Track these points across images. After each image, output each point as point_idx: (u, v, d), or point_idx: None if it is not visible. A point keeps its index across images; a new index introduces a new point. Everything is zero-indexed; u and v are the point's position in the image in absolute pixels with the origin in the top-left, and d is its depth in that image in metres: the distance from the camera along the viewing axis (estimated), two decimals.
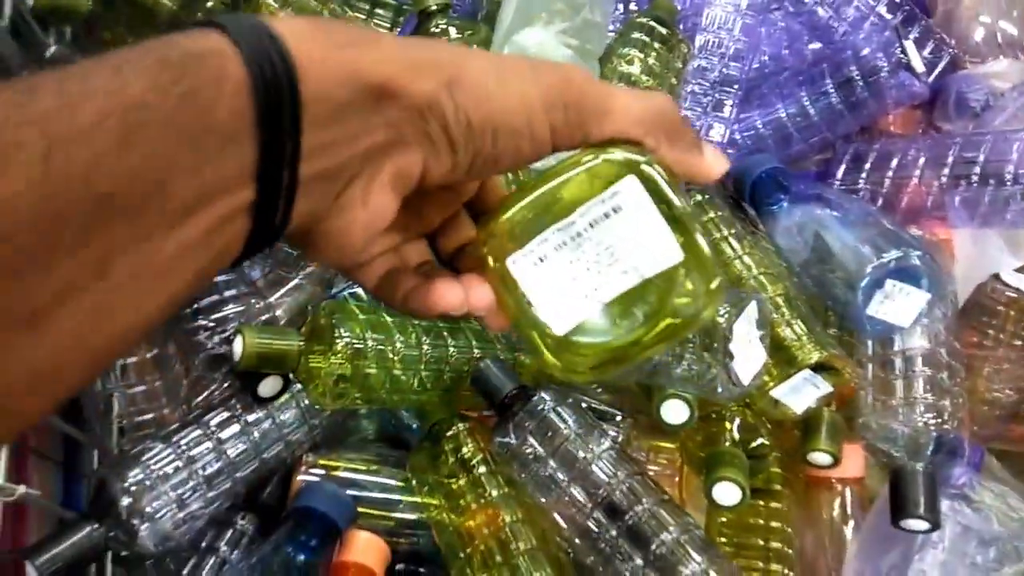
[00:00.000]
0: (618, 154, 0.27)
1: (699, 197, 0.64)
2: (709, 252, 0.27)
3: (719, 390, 0.48)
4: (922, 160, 0.68)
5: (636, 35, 0.65)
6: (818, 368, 0.55)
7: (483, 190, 0.31)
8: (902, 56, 0.68)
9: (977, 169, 0.63)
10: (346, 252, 0.26)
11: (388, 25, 0.70)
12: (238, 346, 0.50)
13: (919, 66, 0.69)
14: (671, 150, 0.27)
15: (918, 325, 0.58)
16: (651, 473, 0.62)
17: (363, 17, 0.70)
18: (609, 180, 0.27)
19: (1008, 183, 0.62)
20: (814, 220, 0.65)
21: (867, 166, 0.71)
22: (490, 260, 0.28)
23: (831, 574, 0.60)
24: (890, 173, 0.69)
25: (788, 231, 0.66)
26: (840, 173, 0.71)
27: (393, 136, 0.24)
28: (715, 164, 0.28)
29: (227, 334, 0.54)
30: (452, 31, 0.61)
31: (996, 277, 0.66)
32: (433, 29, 0.61)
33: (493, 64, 0.25)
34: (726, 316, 0.47)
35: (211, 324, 0.56)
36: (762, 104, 0.75)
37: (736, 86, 0.72)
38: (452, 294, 0.27)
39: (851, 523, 0.62)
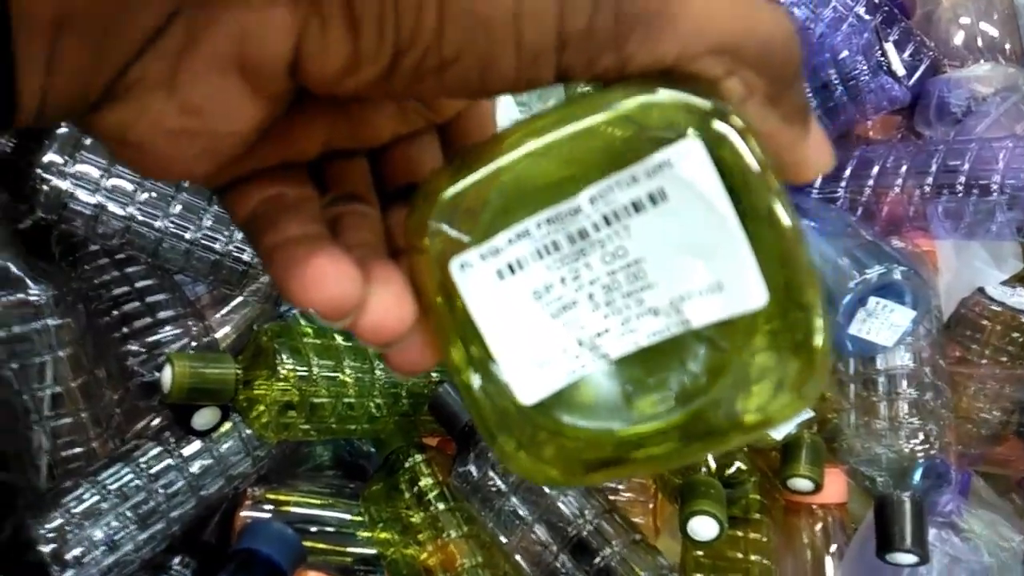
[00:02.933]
0: (674, 96, 0.15)
1: None
2: (816, 283, 0.16)
3: None
4: (904, 168, 0.65)
5: None
6: None
7: (462, 120, 0.20)
8: (882, 59, 0.66)
9: (961, 178, 0.60)
10: (167, 164, 0.16)
11: None
12: (167, 376, 0.46)
13: (900, 69, 0.66)
14: (770, 109, 0.16)
15: (902, 344, 0.55)
16: (624, 499, 0.59)
17: None
18: (652, 140, 0.15)
19: (993, 193, 0.59)
20: None
21: (846, 174, 0.68)
22: (421, 256, 0.17)
23: None
24: (870, 182, 0.66)
25: None
26: (818, 182, 0.68)
27: None
28: (820, 158, 0.17)
29: (160, 360, 0.50)
30: None
31: (981, 291, 0.63)
32: None
33: None
34: None
35: (142, 350, 0.52)
36: None
37: None
38: (335, 282, 0.16)
39: (833, 548, 0.59)
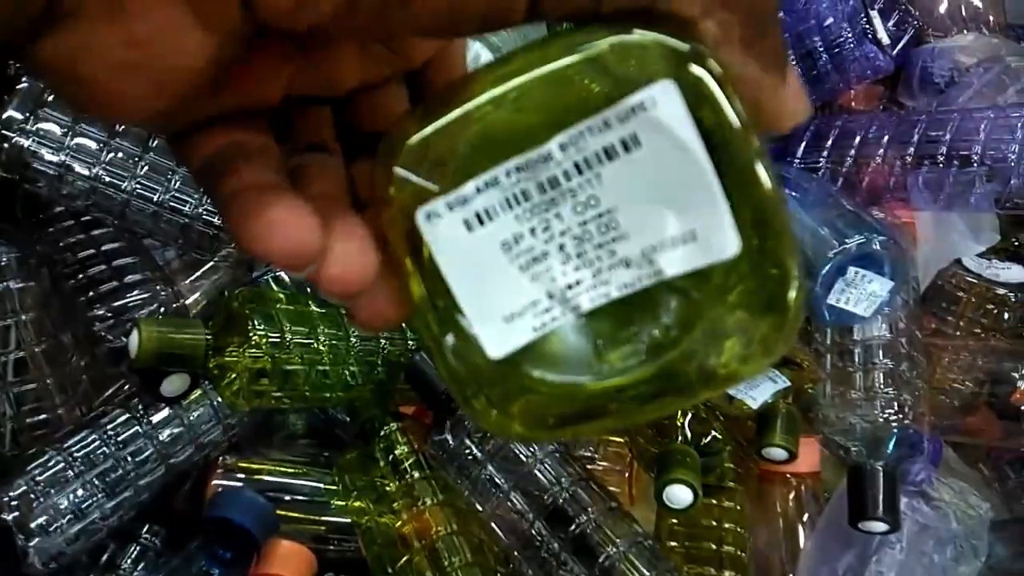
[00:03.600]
0: (649, 36, 0.15)
1: None
2: (793, 240, 0.16)
3: None
4: (885, 138, 0.65)
5: None
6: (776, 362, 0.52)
7: (432, 68, 0.19)
8: (867, 27, 0.65)
9: (942, 149, 0.60)
10: (112, 101, 0.15)
11: None
12: (134, 341, 0.44)
13: (884, 38, 0.65)
14: (745, 54, 0.16)
15: (879, 314, 0.55)
16: (600, 468, 0.59)
17: None
18: (625, 83, 0.15)
19: (973, 164, 0.59)
20: None
21: (828, 144, 0.67)
22: (387, 207, 0.16)
23: (785, 572, 0.58)
24: (852, 152, 0.66)
25: None
26: (800, 151, 0.68)
27: None
28: (797, 106, 0.17)
29: (128, 325, 0.49)
30: None
31: (958, 263, 0.63)
32: None
33: None
34: None
35: (109, 314, 0.50)
36: None
37: None
38: (294, 230, 0.15)
39: (805, 517, 0.59)
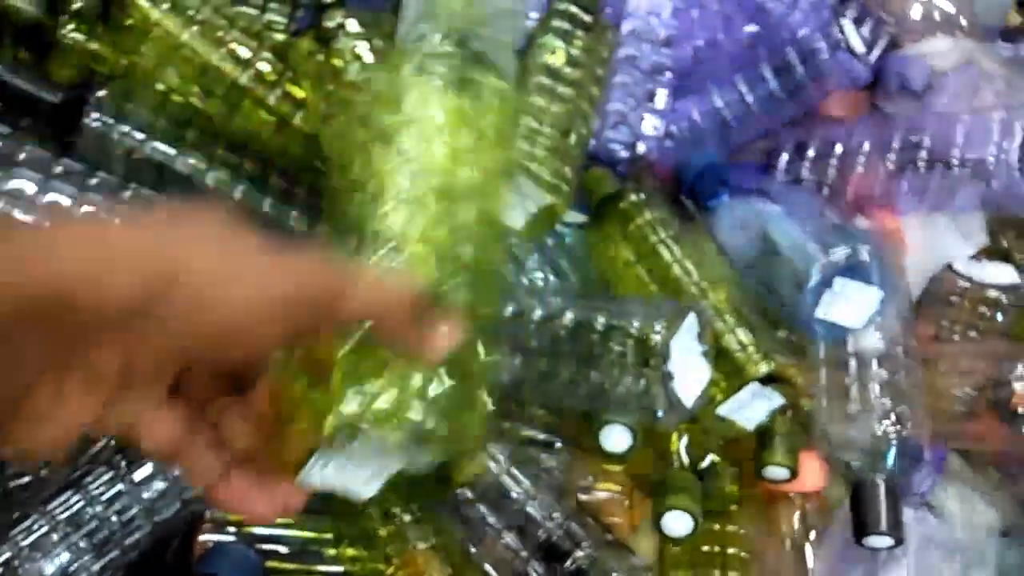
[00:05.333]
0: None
1: (634, 198, 0.60)
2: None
3: (659, 415, 0.43)
4: (866, 146, 0.64)
5: (557, 23, 0.60)
6: (768, 379, 0.51)
7: None
8: (840, 37, 0.65)
9: (923, 154, 0.59)
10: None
11: (284, 19, 0.63)
12: None
13: (859, 46, 0.65)
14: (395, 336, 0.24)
15: (872, 324, 0.54)
16: (600, 497, 0.58)
17: (255, 12, 0.64)
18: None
19: (955, 167, 0.59)
20: (758, 216, 0.61)
21: (810, 154, 0.67)
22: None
23: None
24: (834, 161, 0.65)
25: (732, 228, 0.62)
26: (783, 163, 0.67)
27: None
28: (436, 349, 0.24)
29: None
30: (352, 24, 0.55)
31: (949, 268, 0.62)
32: (329, 23, 0.55)
33: (219, 259, 0.20)
34: (662, 333, 0.43)
35: None
36: (697, 93, 0.70)
37: (669, 74, 0.67)
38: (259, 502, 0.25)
39: (812, 535, 0.58)
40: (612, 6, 0.66)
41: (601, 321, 0.45)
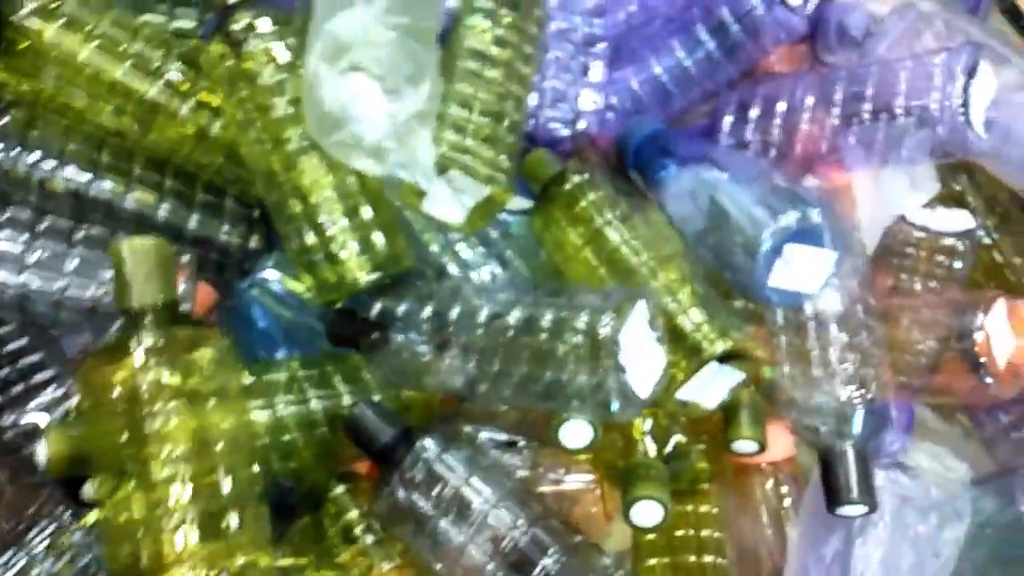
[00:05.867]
0: None
1: (576, 179, 0.57)
2: None
3: (615, 409, 0.42)
4: (809, 101, 0.62)
5: (482, 2, 0.57)
6: (727, 356, 0.50)
7: None
8: None
9: (867, 105, 0.58)
10: None
11: (194, 24, 0.60)
12: (42, 451, 0.41)
13: (793, 1, 0.63)
14: None
15: (828, 287, 0.53)
16: (573, 489, 0.57)
17: (163, 18, 0.60)
18: None
19: (900, 116, 0.57)
20: (705, 184, 0.59)
21: (753, 115, 0.65)
22: None
23: (775, 564, 0.56)
24: (777, 120, 0.64)
25: (680, 198, 0.60)
26: (726, 126, 0.65)
27: None
28: None
29: (36, 433, 0.45)
30: (263, 24, 0.52)
31: (903, 219, 0.61)
32: (236, 25, 0.51)
33: None
34: (611, 325, 0.41)
35: (20, 421, 0.47)
36: (634, 61, 0.68)
37: (603, 45, 0.65)
38: None
39: (787, 504, 0.57)
40: None
41: (548, 317, 0.43)
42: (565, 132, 0.64)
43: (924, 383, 0.56)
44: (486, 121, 0.53)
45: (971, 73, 0.53)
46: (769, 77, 0.71)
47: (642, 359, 0.43)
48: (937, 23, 0.61)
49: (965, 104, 0.53)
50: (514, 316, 0.44)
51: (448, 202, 0.52)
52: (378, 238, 0.51)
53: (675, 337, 0.48)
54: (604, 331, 0.41)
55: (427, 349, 0.49)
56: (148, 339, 0.40)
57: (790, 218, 0.51)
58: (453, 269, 0.56)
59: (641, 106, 0.67)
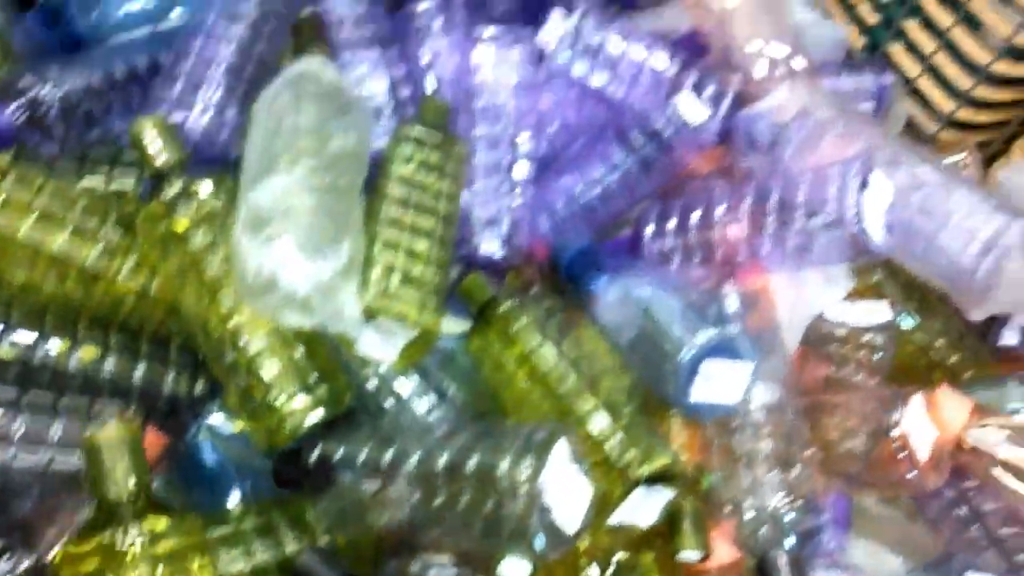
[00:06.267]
0: None
1: (509, 303, 0.60)
2: None
3: (541, 548, 0.43)
4: (720, 210, 0.66)
5: (405, 148, 0.60)
6: (657, 476, 0.51)
7: None
8: (677, 112, 0.67)
9: (774, 210, 0.61)
10: None
11: (132, 184, 0.63)
12: None
13: (697, 117, 0.67)
14: None
15: (751, 395, 0.55)
16: None
17: (102, 179, 0.63)
18: None
19: (806, 219, 0.60)
20: (631, 297, 0.62)
21: (671, 226, 0.68)
22: None
23: None
24: (694, 229, 0.67)
25: (611, 309, 0.62)
26: (648, 236, 0.69)
27: None
28: None
29: None
30: (195, 187, 0.55)
31: (821, 317, 0.64)
32: (171, 188, 0.54)
33: None
34: (529, 471, 0.43)
35: None
36: (560, 179, 0.71)
37: (528, 167, 0.68)
38: None
39: None
40: (458, 114, 0.67)
41: (473, 462, 0.44)
42: (500, 254, 0.67)
43: (860, 475, 0.58)
44: (412, 260, 0.55)
45: (864, 183, 0.57)
46: (687, 185, 0.75)
47: (567, 495, 0.45)
48: (836, 128, 0.65)
49: (859, 212, 0.56)
50: (441, 461, 0.46)
51: (380, 344, 0.54)
52: (315, 381, 0.53)
53: (602, 464, 0.50)
54: (525, 475, 0.42)
55: (369, 489, 0.50)
56: (132, 532, 0.42)
57: (705, 336, 0.53)
58: (390, 404, 0.57)
59: (569, 222, 0.71)
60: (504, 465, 0.43)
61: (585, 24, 0.67)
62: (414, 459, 0.47)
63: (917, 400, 0.56)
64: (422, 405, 0.57)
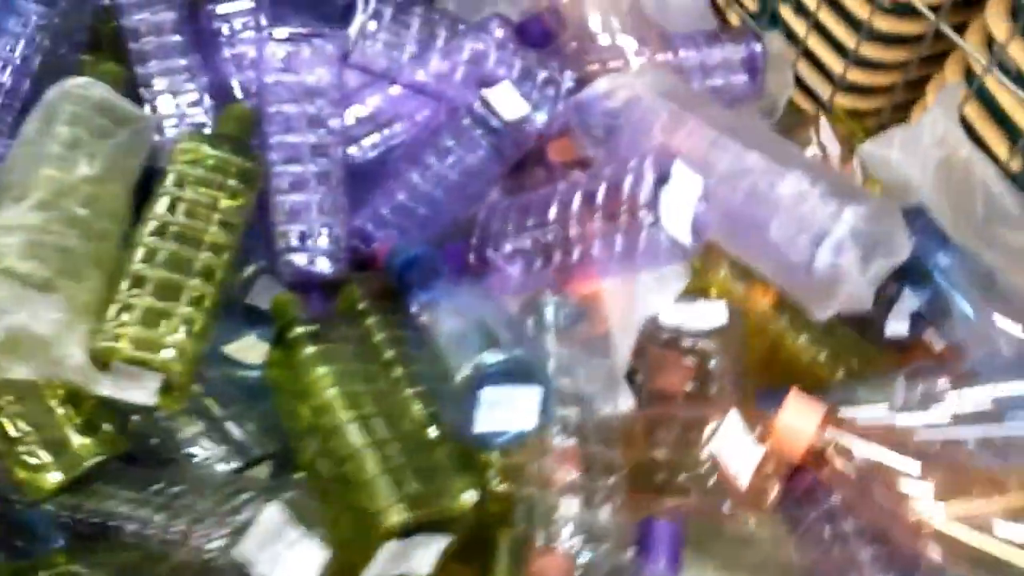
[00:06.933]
0: None
1: (299, 330, 0.55)
2: None
3: None
4: (554, 210, 0.60)
5: (174, 169, 0.55)
6: (429, 525, 0.46)
7: None
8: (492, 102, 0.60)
9: (600, 209, 0.55)
10: None
11: None
12: None
13: (514, 110, 0.61)
14: None
15: (547, 422, 0.50)
16: None
17: None
18: None
19: (632, 218, 0.54)
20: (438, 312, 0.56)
21: (509, 228, 0.63)
22: None
23: None
24: (527, 232, 0.61)
25: (444, 320, 0.57)
26: (485, 239, 0.63)
27: None
28: None
29: None
30: None
31: (654, 321, 0.58)
32: None
33: None
34: (247, 550, 0.38)
35: None
36: (387, 183, 0.66)
37: (338, 175, 0.63)
38: None
39: None
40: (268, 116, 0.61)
41: (171, 531, 0.40)
42: (321, 268, 0.62)
43: (683, 500, 0.52)
44: (164, 295, 0.50)
45: (663, 176, 0.51)
46: (538, 180, 0.69)
47: (291, 561, 0.40)
48: (663, 116, 0.59)
49: (657, 209, 0.50)
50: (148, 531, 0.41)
51: (131, 389, 0.49)
52: (74, 438, 0.49)
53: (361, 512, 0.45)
54: (215, 547, 0.38)
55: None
56: None
57: (471, 366, 0.48)
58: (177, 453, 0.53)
59: (398, 226, 0.65)
60: (196, 538, 0.38)
61: (384, 15, 0.61)
62: (131, 525, 0.43)
63: (733, 416, 0.50)
64: (203, 450, 0.53)
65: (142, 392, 0.49)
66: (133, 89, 0.62)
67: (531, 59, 0.65)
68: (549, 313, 0.56)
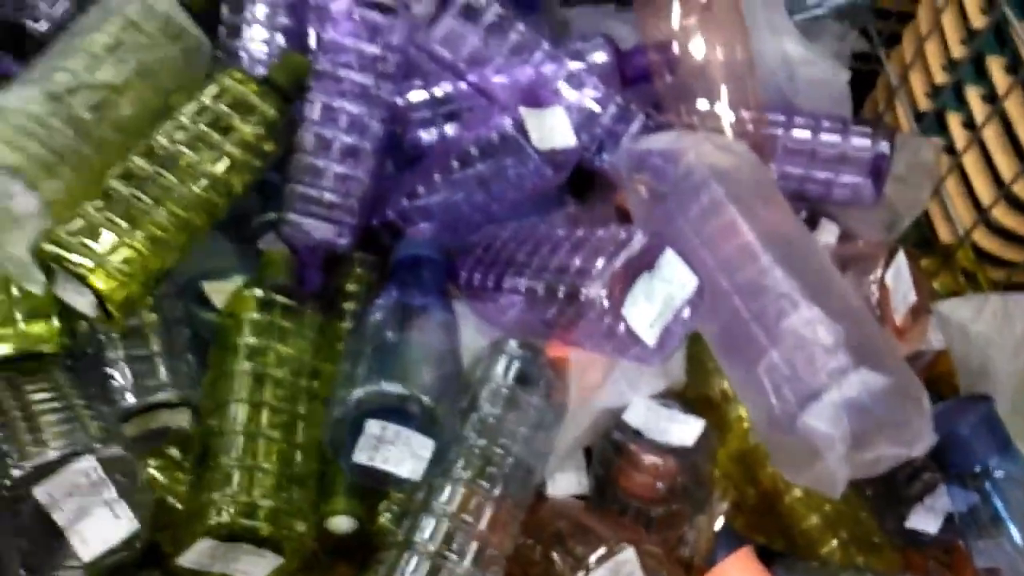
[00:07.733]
0: None
1: (260, 293, 0.53)
2: None
3: None
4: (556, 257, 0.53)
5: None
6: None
7: None
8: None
9: (544, 278, 0.49)
10: None
11: None
12: None
13: (560, 138, 0.55)
14: None
15: (436, 478, 0.44)
16: None
17: None
18: None
19: (566, 295, 0.47)
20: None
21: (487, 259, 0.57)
22: None
23: None
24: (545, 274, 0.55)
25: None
26: (469, 263, 0.58)
27: None
28: None
29: None
30: None
31: (620, 426, 0.50)
32: None
33: None
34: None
35: None
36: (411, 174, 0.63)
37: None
38: None
39: None
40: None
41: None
42: (323, 236, 0.60)
43: None
44: (122, 217, 0.48)
45: (648, 263, 0.43)
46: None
47: (95, 520, 0.38)
48: (703, 198, 0.50)
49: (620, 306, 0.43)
50: None
51: (72, 295, 0.50)
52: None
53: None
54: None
55: None
56: None
57: (378, 390, 0.43)
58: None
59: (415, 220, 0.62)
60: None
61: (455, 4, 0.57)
62: None
63: (628, 554, 0.42)
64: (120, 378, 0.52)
65: (83, 301, 0.49)
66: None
67: (614, 93, 0.58)
68: (500, 363, 0.50)
